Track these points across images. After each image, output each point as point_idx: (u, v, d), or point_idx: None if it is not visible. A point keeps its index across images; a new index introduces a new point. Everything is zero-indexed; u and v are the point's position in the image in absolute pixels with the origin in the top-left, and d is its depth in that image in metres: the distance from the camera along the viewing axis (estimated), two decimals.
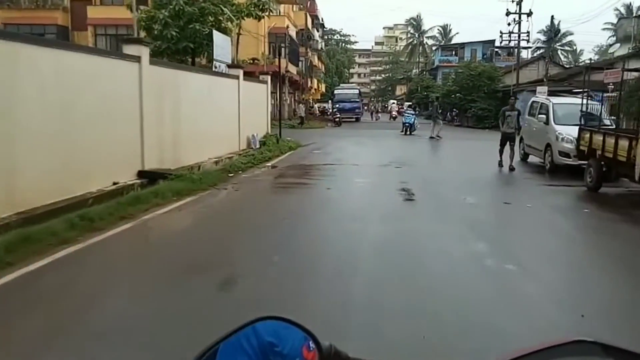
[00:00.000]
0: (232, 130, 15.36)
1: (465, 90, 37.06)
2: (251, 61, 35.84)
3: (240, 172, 12.11)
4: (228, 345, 0.83)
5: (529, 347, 0.76)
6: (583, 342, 0.78)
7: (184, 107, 11.57)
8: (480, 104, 35.79)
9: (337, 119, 34.45)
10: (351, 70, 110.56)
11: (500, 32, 35.06)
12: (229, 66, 16.20)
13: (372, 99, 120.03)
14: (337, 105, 40.02)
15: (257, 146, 17.11)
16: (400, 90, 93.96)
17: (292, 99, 43.71)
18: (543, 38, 75.27)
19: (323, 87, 66.28)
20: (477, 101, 36.07)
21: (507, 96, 38.41)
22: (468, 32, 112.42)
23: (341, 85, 51.18)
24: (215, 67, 16.37)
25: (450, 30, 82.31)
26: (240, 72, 16.02)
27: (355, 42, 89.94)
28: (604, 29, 61.93)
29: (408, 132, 26.72)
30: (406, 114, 28.41)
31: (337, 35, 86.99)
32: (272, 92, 35.96)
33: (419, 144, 22.70)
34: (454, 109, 42.69)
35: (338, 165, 13.80)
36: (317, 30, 61.57)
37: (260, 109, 18.93)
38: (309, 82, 53.31)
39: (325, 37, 78.05)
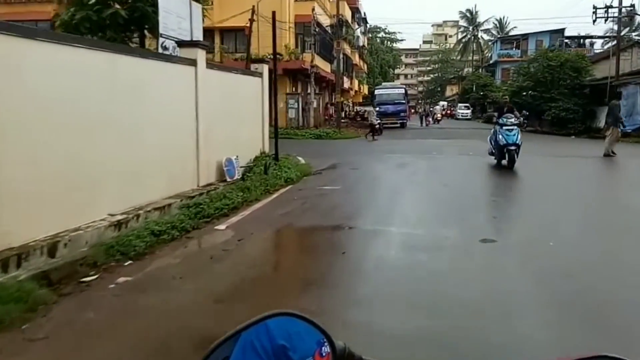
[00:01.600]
0: (179, 152, 8.73)
1: (542, 87, 29.19)
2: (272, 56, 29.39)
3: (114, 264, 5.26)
4: (242, 345, 0.83)
5: None
6: (607, 358, 0.80)
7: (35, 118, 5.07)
8: (563, 103, 27.88)
9: (377, 126, 27.37)
10: (397, 71, 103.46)
11: (594, 8, 26.91)
12: (180, 45, 9.60)
13: (420, 101, 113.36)
14: (378, 109, 32.95)
15: (237, 176, 10.43)
16: (451, 90, 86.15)
17: (323, 100, 36.96)
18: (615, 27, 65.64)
19: (365, 89, 59.24)
20: (557, 100, 28.18)
21: (598, 93, 30.36)
22: (527, 25, 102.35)
23: (383, 84, 43.49)
24: (165, 48, 9.85)
25: (507, 23, 73.50)
26: (200, 54, 9.38)
27: (402, 40, 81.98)
28: None
29: (507, 161, 12.91)
30: (505, 127, 12.86)
31: (382, 32, 79.43)
32: (293, 93, 29.48)
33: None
34: (524, 110, 34.69)
35: (363, 240, 6.53)
36: (359, 25, 54.62)
37: (248, 116, 12.23)
38: (346, 82, 46.41)
39: (369, 35, 71.00)
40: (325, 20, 31.47)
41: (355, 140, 24.72)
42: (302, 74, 28.45)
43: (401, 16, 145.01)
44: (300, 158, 13.92)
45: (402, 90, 35.33)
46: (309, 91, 32.40)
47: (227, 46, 29.95)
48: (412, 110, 41.00)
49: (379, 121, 27.53)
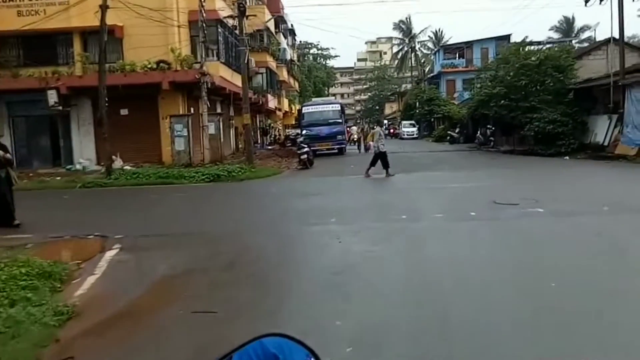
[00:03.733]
0: None
1: (517, 93, 22.28)
2: (155, 65, 20.98)
3: None
4: (239, 355, 0.98)
5: None
6: None
7: None
8: (547, 113, 20.98)
9: (304, 157, 19.27)
10: (332, 90, 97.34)
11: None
12: None
13: (359, 121, 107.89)
14: (307, 131, 24.88)
15: None
16: (391, 108, 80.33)
17: (236, 123, 28.71)
18: (556, 36, 62.11)
19: (295, 109, 51.57)
20: (539, 109, 21.29)
21: (586, 98, 23.73)
22: (463, 38, 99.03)
23: (313, 100, 34.83)
24: None
25: (443, 34, 68.43)
26: None
27: (336, 56, 74.82)
28: None
29: None
30: None
31: (314, 48, 72.23)
32: (181, 116, 20.89)
33: None
34: (488, 125, 27.92)
35: None
36: (285, 37, 47.09)
37: None
38: (271, 101, 38.37)
39: (299, 50, 63.84)
40: (228, 18, 23.32)
41: (273, 181, 16.54)
42: (198, 88, 20.12)
43: (332, 37, 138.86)
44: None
45: (338, 107, 27.42)
46: (220, 111, 24.12)
47: (89, 53, 21.26)
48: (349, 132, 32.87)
49: (306, 149, 19.48)
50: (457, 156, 24.23)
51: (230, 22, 23.70)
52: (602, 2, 18.46)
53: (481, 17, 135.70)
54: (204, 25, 19.88)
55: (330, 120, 25.57)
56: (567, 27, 62.39)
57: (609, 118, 19.99)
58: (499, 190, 11.17)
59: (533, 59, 22.54)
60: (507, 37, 46.41)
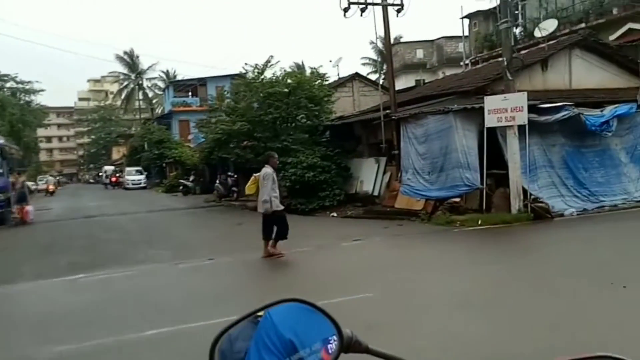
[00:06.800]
0: None
1: (266, 131, 16.78)
2: None
3: None
4: (255, 343, 0.89)
5: None
6: (608, 358, 0.82)
7: None
8: (304, 156, 15.92)
9: None
10: (45, 132, 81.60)
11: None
12: None
13: (82, 167, 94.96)
14: None
15: None
16: (119, 152, 69.69)
17: None
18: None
19: None
20: (294, 151, 16.13)
21: (347, 137, 19.01)
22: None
23: None
24: None
25: (175, 74, 62.03)
26: None
27: (41, 90, 59.55)
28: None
29: None
30: None
31: (11, 82, 56.76)
32: None
33: None
34: (229, 172, 21.97)
35: None
36: None
37: None
38: None
39: None
40: None
41: None
42: None
43: (55, 73, 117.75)
44: None
45: None
46: None
47: None
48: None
49: None
50: (187, 219, 17.38)
51: None
52: (363, 14, 14.30)
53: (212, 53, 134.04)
54: None
55: None
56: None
57: (377, 162, 15.93)
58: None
59: (281, 88, 17.46)
60: (244, 75, 42.57)
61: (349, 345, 0.87)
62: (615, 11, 19.13)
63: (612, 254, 7.52)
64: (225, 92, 23.06)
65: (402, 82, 30.51)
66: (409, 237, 10.61)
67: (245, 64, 18.84)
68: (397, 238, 10.58)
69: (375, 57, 49.23)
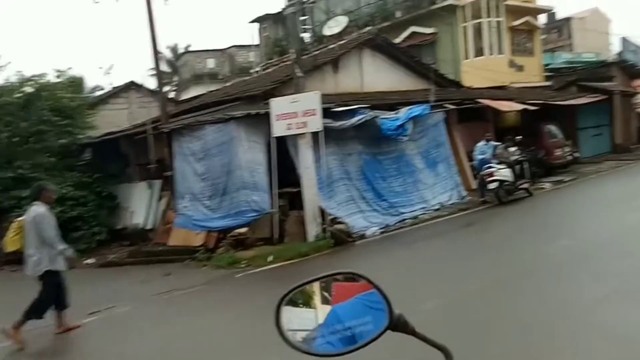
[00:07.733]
0: None
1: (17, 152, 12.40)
2: None
3: None
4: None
5: None
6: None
7: None
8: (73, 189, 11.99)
9: None
10: None
11: None
12: None
13: None
14: None
15: None
16: None
17: None
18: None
19: None
20: (35, 180, 12.07)
21: (116, 158, 14.93)
22: None
23: None
24: None
25: None
26: None
27: None
28: None
29: None
30: None
31: None
32: None
33: None
34: None
35: None
36: None
37: None
38: None
39: None
40: None
41: None
42: None
43: None
44: None
45: None
46: None
47: None
48: None
49: None
50: None
51: None
52: None
53: None
54: None
55: None
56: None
57: (150, 186, 12.77)
58: None
59: (17, 96, 13.16)
60: None
61: (397, 324, 0.95)
62: (398, 14, 18.97)
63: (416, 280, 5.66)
64: None
65: (193, 94, 27.68)
66: (171, 300, 7.21)
67: None
68: (151, 304, 7.20)
69: (166, 69, 45.58)
